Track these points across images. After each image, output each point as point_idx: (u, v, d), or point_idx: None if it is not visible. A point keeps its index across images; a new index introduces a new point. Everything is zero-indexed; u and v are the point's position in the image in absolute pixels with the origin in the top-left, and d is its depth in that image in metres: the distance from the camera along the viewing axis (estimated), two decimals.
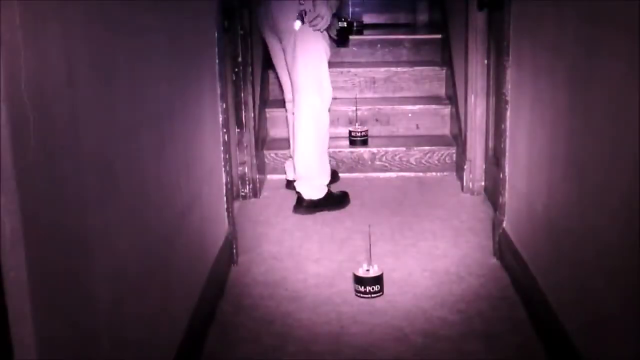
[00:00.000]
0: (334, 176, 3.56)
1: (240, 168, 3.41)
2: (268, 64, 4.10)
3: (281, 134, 3.98)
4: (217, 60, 2.47)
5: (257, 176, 3.49)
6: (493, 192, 3.09)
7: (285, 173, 3.63)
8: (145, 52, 1.62)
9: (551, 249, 2.10)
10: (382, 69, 4.17)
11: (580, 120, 1.81)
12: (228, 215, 2.64)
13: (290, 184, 3.47)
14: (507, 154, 2.60)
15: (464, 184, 3.49)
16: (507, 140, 2.58)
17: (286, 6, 3.10)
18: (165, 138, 1.79)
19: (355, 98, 3.96)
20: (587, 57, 1.75)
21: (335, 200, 3.29)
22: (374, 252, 2.52)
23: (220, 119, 2.52)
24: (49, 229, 1.09)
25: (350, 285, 2.52)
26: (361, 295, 2.44)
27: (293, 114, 3.31)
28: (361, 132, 3.78)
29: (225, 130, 2.55)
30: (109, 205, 1.36)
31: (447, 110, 3.95)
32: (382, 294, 2.44)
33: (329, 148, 3.75)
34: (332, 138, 3.92)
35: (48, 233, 1.08)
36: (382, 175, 3.71)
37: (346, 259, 2.75)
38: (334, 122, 3.96)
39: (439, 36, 4.32)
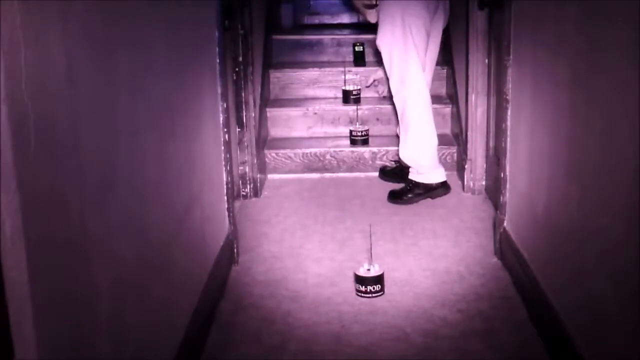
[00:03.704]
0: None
1: (241, 167, 3.40)
2: (269, 64, 4.11)
3: (282, 134, 3.98)
4: (217, 60, 2.47)
5: (258, 176, 3.48)
6: (494, 192, 3.09)
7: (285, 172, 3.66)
8: (145, 52, 1.62)
9: (552, 249, 2.10)
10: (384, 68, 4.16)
11: (582, 119, 1.81)
12: (229, 215, 2.63)
13: None
14: (508, 153, 2.60)
15: (465, 183, 3.49)
16: (508, 140, 2.58)
17: None
18: (166, 137, 1.79)
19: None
20: (588, 56, 1.75)
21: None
22: (374, 252, 2.52)
23: (221, 118, 2.52)
24: (50, 229, 1.09)
25: (351, 284, 2.52)
26: (362, 294, 2.44)
27: None
28: (362, 131, 3.78)
29: (226, 129, 2.55)
30: (110, 205, 1.36)
31: (447, 109, 3.94)
32: (383, 294, 2.44)
33: (329, 148, 3.77)
34: (333, 137, 3.93)
35: (49, 232, 1.08)
36: None
37: (347, 258, 2.75)
38: (334, 121, 3.97)
39: None
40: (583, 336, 1.82)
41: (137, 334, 1.53)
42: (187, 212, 2.02)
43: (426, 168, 3.30)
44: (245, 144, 3.38)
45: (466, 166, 3.46)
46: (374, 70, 4.00)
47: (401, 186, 3.36)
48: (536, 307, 2.21)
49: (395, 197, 3.32)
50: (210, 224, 2.38)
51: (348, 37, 4.47)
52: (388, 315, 2.32)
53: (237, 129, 3.34)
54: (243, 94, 3.33)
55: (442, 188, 3.34)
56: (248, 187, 3.45)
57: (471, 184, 3.46)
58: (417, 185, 3.31)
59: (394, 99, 3.37)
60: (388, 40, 3.25)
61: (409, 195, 3.30)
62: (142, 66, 1.59)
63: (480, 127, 3.39)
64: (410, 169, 3.35)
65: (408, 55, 3.23)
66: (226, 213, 2.62)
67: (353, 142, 3.80)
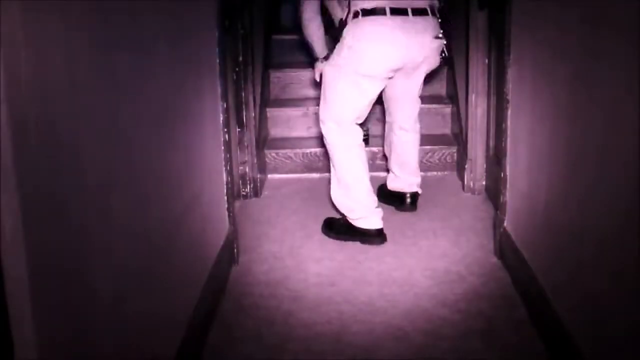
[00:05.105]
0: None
1: (241, 167, 3.41)
2: (269, 64, 4.11)
3: (282, 134, 3.98)
4: (217, 60, 2.48)
5: (258, 176, 3.49)
6: (494, 192, 3.09)
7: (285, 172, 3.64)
8: (145, 52, 1.62)
9: (552, 249, 2.10)
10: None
11: (581, 119, 1.81)
12: (229, 215, 2.64)
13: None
14: (507, 153, 2.60)
15: (465, 183, 3.49)
16: (508, 140, 2.58)
17: None
18: (166, 137, 1.79)
19: None
20: (587, 56, 1.75)
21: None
22: (374, 252, 2.52)
23: (221, 118, 2.52)
24: (49, 229, 1.09)
25: (351, 284, 2.52)
26: None
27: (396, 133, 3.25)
28: (362, 131, 3.77)
29: (226, 129, 2.55)
30: (110, 204, 1.36)
31: (448, 109, 3.95)
32: None
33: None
34: None
35: (48, 232, 1.08)
36: (383, 174, 3.70)
37: (347, 258, 2.75)
38: None
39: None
40: (583, 336, 1.82)
41: (138, 334, 1.53)
42: (187, 212, 2.02)
43: (358, 213, 2.91)
44: (245, 144, 3.39)
45: (466, 166, 3.46)
46: None
47: (338, 217, 3.02)
48: (536, 307, 2.21)
49: (327, 227, 3.02)
50: (210, 224, 2.39)
51: None
52: (388, 315, 2.32)
53: (237, 129, 3.34)
54: (243, 94, 3.33)
55: (378, 237, 2.89)
56: (248, 187, 3.45)
57: (471, 184, 3.46)
58: (350, 226, 2.94)
59: (321, 127, 2.98)
60: (331, 69, 2.87)
61: (340, 234, 2.95)
62: (142, 66, 1.59)
63: (480, 127, 3.39)
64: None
65: (348, 96, 2.87)
66: (226, 213, 2.62)
67: None
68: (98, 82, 1.30)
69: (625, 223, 1.52)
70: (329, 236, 2.96)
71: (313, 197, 3.46)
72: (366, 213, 2.90)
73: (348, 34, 2.77)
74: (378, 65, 2.78)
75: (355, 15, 2.75)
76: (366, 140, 3.76)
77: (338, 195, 2.97)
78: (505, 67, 2.54)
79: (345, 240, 2.91)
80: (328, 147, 2.98)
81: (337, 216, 3.04)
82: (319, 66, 3.06)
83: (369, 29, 2.74)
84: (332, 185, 3.00)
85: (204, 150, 2.28)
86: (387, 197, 3.29)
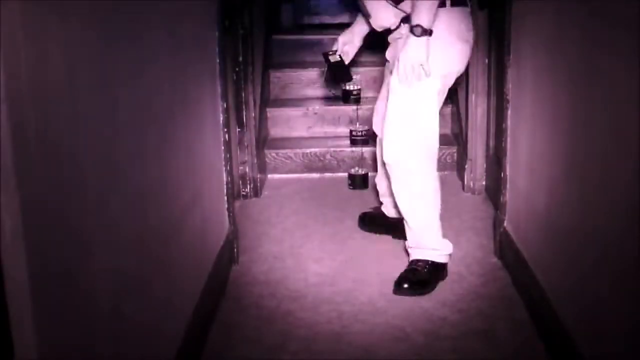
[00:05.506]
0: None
1: (241, 167, 3.41)
2: (269, 64, 4.11)
3: (282, 134, 3.98)
4: (217, 60, 2.47)
5: (258, 176, 3.49)
6: (494, 192, 3.09)
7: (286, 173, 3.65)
8: (145, 52, 1.62)
9: (552, 248, 2.10)
10: (383, 69, 4.15)
11: (581, 119, 1.81)
12: (229, 215, 2.64)
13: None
14: (508, 153, 2.60)
15: (465, 183, 3.49)
16: (508, 140, 2.58)
17: None
18: (166, 137, 1.79)
19: None
20: (587, 56, 1.75)
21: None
22: (374, 252, 2.51)
23: (221, 118, 2.52)
24: (49, 229, 1.09)
25: (351, 284, 2.52)
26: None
27: None
28: (362, 131, 3.78)
29: (226, 129, 2.55)
30: (110, 205, 1.36)
31: (447, 109, 3.94)
32: None
33: (329, 147, 3.77)
34: (333, 137, 3.93)
35: (48, 233, 1.08)
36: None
37: (347, 258, 2.75)
38: (334, 121, 3.97)
39: None
40: (583, 336, 1.82)
41: (138, 334, 1.53)
42: (187, 212, 2.02)
43: (443, 250, 2.56)
44: (245, 144, 3.39)
45: (466, 166, 3.46)
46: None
47: (412, 272, 2.51)
48: (536, 307, 2.21)
49: (420, 286, 2.47)
50: (210, 223, 2.38)
51: None
52: (388, 315, 2.32)
53: (237, 129, 3.34)
54: (243, 94, 3.33)
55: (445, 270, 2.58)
56: (248, 187, 3.45)
57: (471, 184, 3.46)
58: (437, 267, 2.54)
59: (389, 153, 2.48)
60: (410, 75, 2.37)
61: (432, 282, 2.50)
62: (142, 66, 1.59)
63: (480, 127, 3.39)
64: (413, 247, 2.60)
65: (432, 103, 2.43)
66: (226, 213, 2.62)
67: (353, 142, 3.80)
68: (98, 82, 1.30)
69: (626, 223, 1.52)
70: (423, 294, 2.45)
71: (313, 197, 3.45)
72: (445, 244, 2.58)
73: (433, 28, 2.29)
74: (464, 61, 2.48)
75: (440, 4, 2.28)
76: (366, 140, 3.76)
77: (422, 244, 2.55)
78: (505, 67, 2.54)
79: (437, 284, 2.50)
80: (412, 186, 2.48)
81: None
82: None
83: (460, 21, 2.37)
84: (411, 240, 2.57)
85: (204, 150, 2.28)
86: (386, 227, 2.91)
